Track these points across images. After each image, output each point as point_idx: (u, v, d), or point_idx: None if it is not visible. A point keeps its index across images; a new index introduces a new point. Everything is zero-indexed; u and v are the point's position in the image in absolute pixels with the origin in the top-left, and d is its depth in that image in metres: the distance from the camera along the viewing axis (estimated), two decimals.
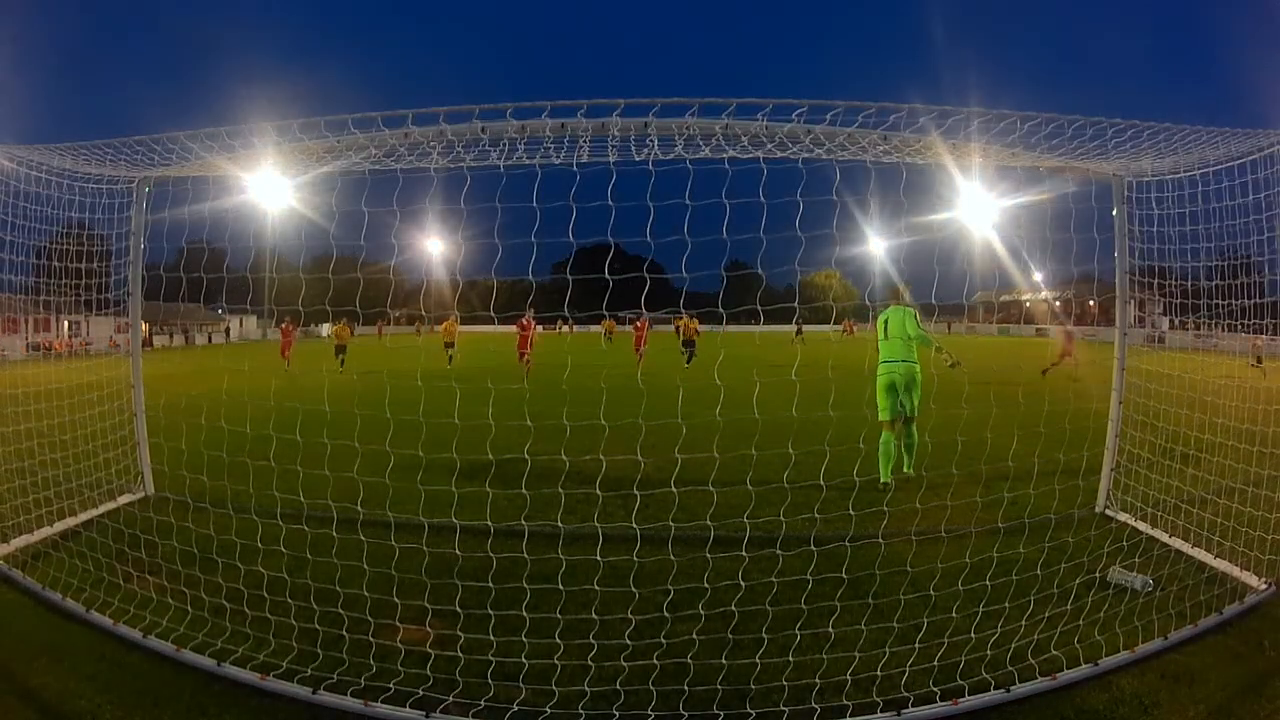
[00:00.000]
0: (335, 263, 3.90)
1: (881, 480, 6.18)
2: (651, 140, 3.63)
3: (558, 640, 3.13)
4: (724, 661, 3.07)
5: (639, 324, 21.67)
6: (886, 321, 6.45)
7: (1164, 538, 4.63)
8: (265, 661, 3.13)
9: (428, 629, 3.40)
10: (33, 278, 5.43)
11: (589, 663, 3.07)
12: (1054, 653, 3.18)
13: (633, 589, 3.39)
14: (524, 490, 4.18)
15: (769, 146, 3.62)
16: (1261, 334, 4.71)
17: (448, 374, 15.60)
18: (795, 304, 3.92)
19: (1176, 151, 4.20)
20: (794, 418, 3.67)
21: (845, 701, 2.87)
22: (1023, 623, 3.43)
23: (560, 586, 3.39)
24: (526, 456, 3.91)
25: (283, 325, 21.23)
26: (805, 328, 31.63)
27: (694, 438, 6.63)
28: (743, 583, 3.54)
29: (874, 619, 3.52)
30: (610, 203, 3.32)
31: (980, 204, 5.76)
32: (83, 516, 5.11)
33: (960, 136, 3.76)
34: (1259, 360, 12.72)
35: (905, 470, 6.48)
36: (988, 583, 3.63)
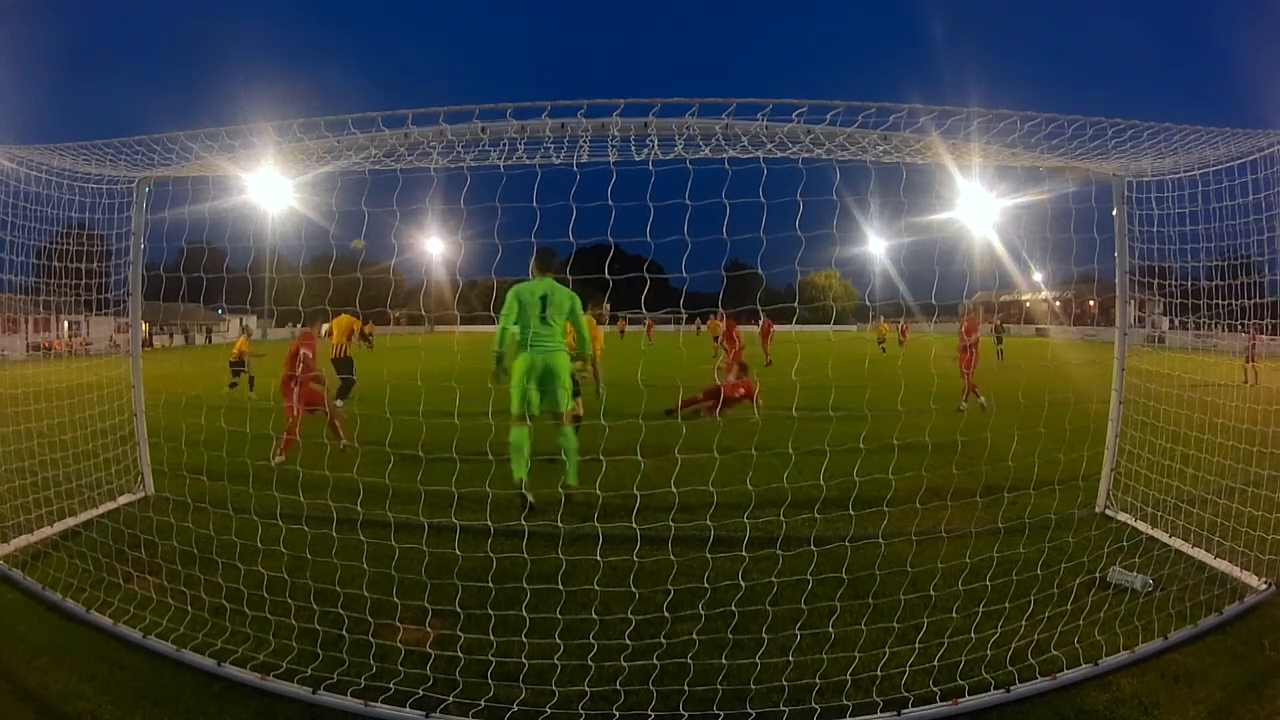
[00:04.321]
0: (335, 263, 3.90)
1: (518, 476, 5.24)
2: (651, 140, 3.63)
3: (558, 640, 3.13)
4: (724, 661, 3.07)
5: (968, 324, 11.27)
6: (544, 298, 5.19)
7: (1164, 538, 4.63)
8: (265, 661, 3.12)
9: (428, 629, 3.40)
10: (33, 278, 5.43)
11: (589, 663, 3.06)
12: (1054, 653, 3.18)
13: (633, 589, 3.39)
14: (524, 490, 4.17)
15: (769, 146, 3.61)
16: (1261, 333, 4.70)
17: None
18: (795, 304, 3.92)
19: (1176, 151, 4.20)
20: (794, 418, 3.67)
21: (845, 701, 2.87)
22: (1023, 623, 3.43)
23: (560, 586, 3.39)
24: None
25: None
26: (804, 328, 27.65)
27: (694, 438, 6.63)
28: (743, 583, 3.54)
29: (874, 619, 3.51)
30: (610, 203, 3.31)
31: (980, 204, 5.76)
32: (83, 516, 5.10)
33: (960, 136, 3.76)
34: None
35: (571, 481, 5.35)
36: (988, 583, 3.63)
